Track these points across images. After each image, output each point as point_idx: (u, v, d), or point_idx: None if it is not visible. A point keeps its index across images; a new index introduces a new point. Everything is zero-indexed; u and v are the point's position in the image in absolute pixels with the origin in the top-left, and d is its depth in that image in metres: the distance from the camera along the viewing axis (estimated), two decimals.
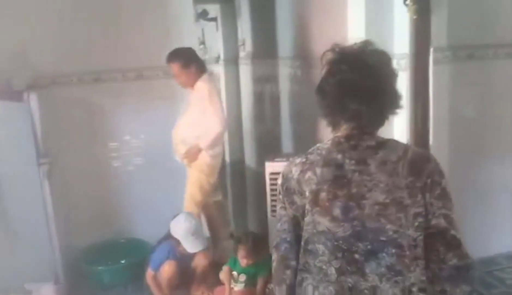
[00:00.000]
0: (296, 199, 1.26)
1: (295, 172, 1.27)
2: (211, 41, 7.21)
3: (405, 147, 1.23)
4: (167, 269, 2.83)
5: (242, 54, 5.82)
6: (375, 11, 2.69)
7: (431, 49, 2.65)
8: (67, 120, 3.28)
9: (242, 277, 2.85)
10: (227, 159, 6.29)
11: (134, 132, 3.53)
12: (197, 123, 3.15)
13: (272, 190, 3.39)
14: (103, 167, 3.49)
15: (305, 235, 1.25)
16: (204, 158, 3.19)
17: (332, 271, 1.20)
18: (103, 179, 3.48)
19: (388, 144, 1.21)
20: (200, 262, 2.96)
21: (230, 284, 2.84)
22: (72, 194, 3.29)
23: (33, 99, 2.86)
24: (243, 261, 2.85)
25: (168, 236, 2.88)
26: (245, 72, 5.84)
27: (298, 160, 1.28)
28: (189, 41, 3.73)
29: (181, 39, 3.49)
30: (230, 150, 6.22)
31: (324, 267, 1.21)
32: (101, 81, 3.41)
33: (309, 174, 1.23)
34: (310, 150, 1.29)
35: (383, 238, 1.15)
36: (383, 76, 1.22)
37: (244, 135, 5.97)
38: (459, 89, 2.82)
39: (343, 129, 1.25)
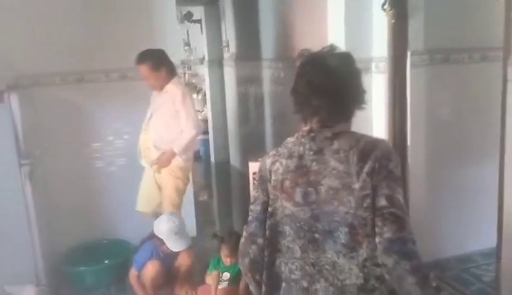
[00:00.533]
0: (268, 186, 1.43)
1: (268, 163, 1.44)
2: (196, 43, 7.23)
3: (359, 137, 1.34)
4: (151, 269, 2.84)
5: (226, 55, 5.85)
6: (354, 15, 2.75)
7: (409, 53, 2.72)
8: (50, 120, 3.27)
9: (226, 276, 2.87)
10: (212, 159, 6.32)
11: (117, 133, 3.54)
12: (169, 127, 3.11)
13: None
14: (86, 168, 3.49)
15: (276, 218, 1.41)
16: (177, 162, 3.14)
17: (297, 249, 1.37)
18: (86, 179, 3.48)
19: (344, 135, 1.34)
20: (183, 261, 2.98)
21: (216, 288, 2.83)
22: (55, 195, 3.28)
23: (14, 100, 2.83)
24: (226, 260, 2.88)
25: (152, 236, 2.90)
26: (229, 74, 5.87)
27: (271, 153, 1.46)
28: (174, 42, 3.76)
29: (165, 40, 3.52)
30: (215, 150, 6.25)
31: (290, 245, 1.38)
32: (84, 81, 3.41)
33: (277, 165, 1.40)
34: (282, 143, 1.44)
35: (337, 219, 1.30)
36: (344, 75, 1.36)
37: (229, 136, 6.00)
38: (435, 92, 2.90)
39: (309, 124, 1.38)
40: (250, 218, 1.46)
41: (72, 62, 3.32)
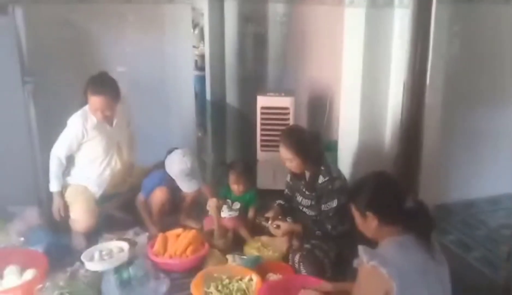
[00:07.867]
0: None
1: None
2: None
3: None
4: (159, 195, 2.81)
5: None
6: None
7: None
8: (54, 39, 3.09)
9: (236, 205, 2.88)
10: (208, 97, 6.17)
11: (121, 56, 3.39)
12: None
13: (263, 124, 3.38)
14: None
15: None
16: None
17: None
18: None
19: None
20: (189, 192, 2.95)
21: (218, 216, 2.76)
22: (58, 115, 3.14)
23: (18, 13, 2.69)
24: (234, 188, 2.86)
25: (162, 165, 2.84)
26: (231, 9, 5.63)
27: None
28: None
29: None
30: (211, 87, 6.09)
31: None
32: (88, 1, 3.21)
33: None
34: None
35: None
36: None
37: (227, 74, 5.84)
38: (458, 30, 2.83)
39: None
40: None
41: None
